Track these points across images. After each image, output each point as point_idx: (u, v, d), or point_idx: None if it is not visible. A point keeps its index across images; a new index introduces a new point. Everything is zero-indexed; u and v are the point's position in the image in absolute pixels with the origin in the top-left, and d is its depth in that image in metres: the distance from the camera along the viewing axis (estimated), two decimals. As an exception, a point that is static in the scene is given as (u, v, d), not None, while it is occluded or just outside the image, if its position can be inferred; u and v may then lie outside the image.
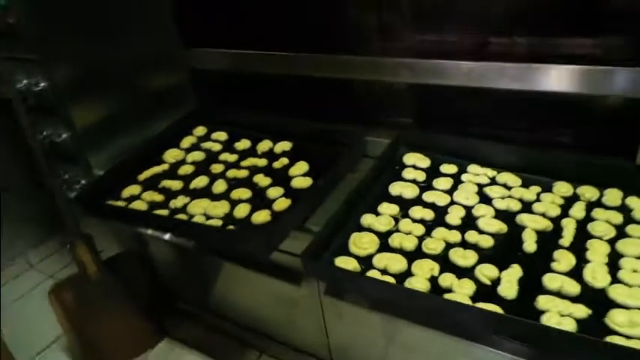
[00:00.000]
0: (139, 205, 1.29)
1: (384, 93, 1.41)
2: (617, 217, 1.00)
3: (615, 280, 0.87)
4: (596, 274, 0.87)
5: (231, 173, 1.36)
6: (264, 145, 1.45)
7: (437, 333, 1.04)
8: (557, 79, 1.11)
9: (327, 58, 1.38)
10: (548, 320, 0.79)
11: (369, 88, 1.42)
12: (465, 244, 1.00)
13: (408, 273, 0.95)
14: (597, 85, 1.07)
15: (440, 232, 1.03)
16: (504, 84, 1.17)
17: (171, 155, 1.48)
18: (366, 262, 1.00)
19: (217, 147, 1.50)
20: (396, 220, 1.09)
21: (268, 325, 1.51)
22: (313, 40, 1.40)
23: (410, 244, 1.01)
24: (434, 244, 1.00)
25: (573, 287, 0.85)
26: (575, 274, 0.89)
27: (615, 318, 0.78)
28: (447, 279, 0.92)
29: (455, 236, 1.02)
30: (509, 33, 1.18)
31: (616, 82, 1.05)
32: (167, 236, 1.46)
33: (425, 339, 1.13)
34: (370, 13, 1.33)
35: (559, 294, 0.86)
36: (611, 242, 0.95)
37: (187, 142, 1.54)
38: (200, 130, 1.59)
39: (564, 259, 0.91)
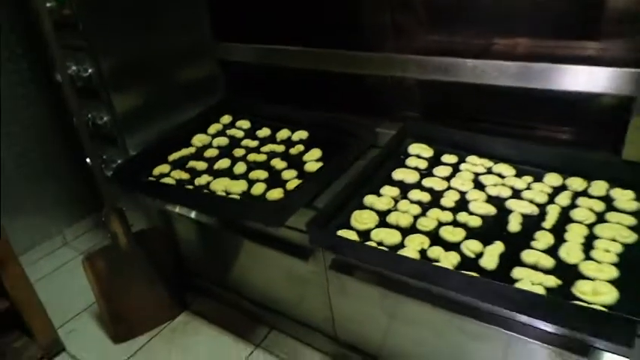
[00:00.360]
0: (168, 181, 1.43)
1: (394, 88, 1.52)
2: (600, 205, 1.07)
3: (588, 257, 0.95)
4: (571, 252, 0.96)
5: (251, 157, 1.49)
6: (283, 134, 1.58)
7: (432, 308, 1.14)
8: (553, 78, 1.20)
9: (345, 54, 1.50)
10: (520, 287, 0.88)
11: (381, 82, 1.54)
12: (455, 224, 1.10)
13: (401, 246, 1.06)
14: (590, 83, 1.16)
15: (434, 213, 1.13)
16: (504, 81, 1.26)
17: (199, 140, 1.63)
18: (365, 235, 1.11)
19: (240, 134, 1.64)
20: (396, 202, 1.20)
21: (279, 301, 1.63)
22: (332, 38, 1.53)
23: (405, 221, 1.12)
24: (427, 222, 1.10)
25: (548, 262, 0.94)
26: (553, 251, 0.98)
27: (581, 287, 0.87)
28: (435, 251, 1.02)
29: (447, 216, 1.12)
30: (511, 34, 1.28)
31: (606, 81, 1.13)
32: (193, 214, 1.61)
33: (421, 313, 1.22)
34: (384, 14, 1.45)
35: (535, 267, 0.95)
36: (591, 227, 1.03)
37: (214, 128, 1.69)
38: (226, 119, 1.73)
39: (543, 239, 1.00)
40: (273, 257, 1.45)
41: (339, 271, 1.30)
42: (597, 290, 0.85)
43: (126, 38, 1.55)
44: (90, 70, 1.54)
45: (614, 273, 0.89)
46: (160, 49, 1.65)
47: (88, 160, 1.58)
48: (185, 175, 1.45)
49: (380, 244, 1.07)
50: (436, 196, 1.19)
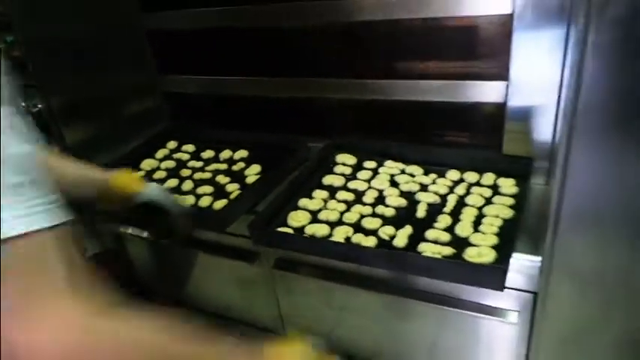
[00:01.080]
0: (120, 202, 1.55)
1: (323, 107, 1.74)
2: (488, 192, 1.32)
3: (476, 231, 1.18)
4: (464, 228, 1.19)
5: (197, 176, 1.65)
6: (226, 154, 1.75)
7: (368, 293, 1.32)
8: (446, 91, 1.46)
9: (277, 81, 1.72)
10: (423, 256, 1.10)
11: (312, 103, 1.75)
12: (374, 215, 1.31)
13: (330, 236, 1.25)
14: (475, 95, 1.43)
15: (357, 208, 1.34)
16: (409, 96, 1.51)
17: (148, 164, 1.76)
18: (300, 231, 1.29)
19: (186, 157, 1.79)
20: (325, 202, 1.39)
21: (231, 309, 1.76)
22: (265, 66, 1.75)
23: (333, 216, 1.31)
24: (351, 216, 1.30)
25: (445, 237, 1.16)
26: (450, 229, 1.20)
27: (469, 252, 1.09)
28: (357, 238, 1.21)
29: (367, 210, 1.32)
30: (410, 58, 1.54)
31: (486, 92, 1.40)
32: (145, 233, 1.73)
33: (358, 299, 1.39)
34: (310, 46, 1.68)
35: (436, 242, 1.16)
36: (480, 209, 1.27)
37: (161, 153, 1.83)
38: (172, 144, 1.88)
39: (443, 220, 1.23)
40: (223, 265, 1.60)
41: (282, 269, 1.46)
42: (481, 253, 1.08)
43: (74, 76, 1.68)
44: (39, 106, 1.65)
45: (495, 240, 1.12)
46: (108, 84, 1.79)
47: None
48: (136, 196, 1.58)
49: (312, 236, 1.26)
50: (359, 195, 1.40)
